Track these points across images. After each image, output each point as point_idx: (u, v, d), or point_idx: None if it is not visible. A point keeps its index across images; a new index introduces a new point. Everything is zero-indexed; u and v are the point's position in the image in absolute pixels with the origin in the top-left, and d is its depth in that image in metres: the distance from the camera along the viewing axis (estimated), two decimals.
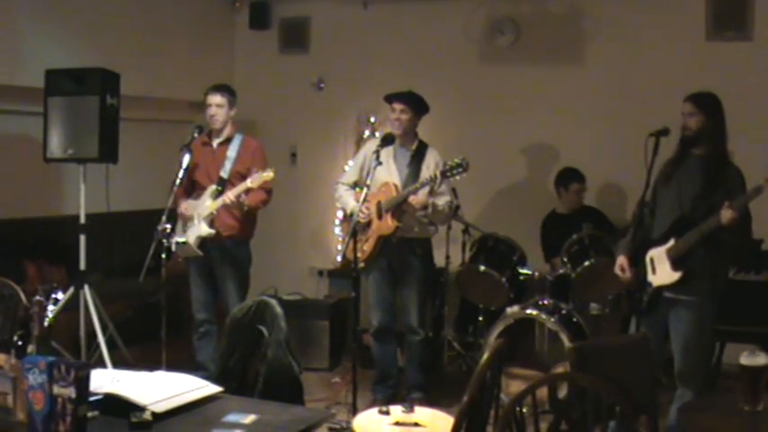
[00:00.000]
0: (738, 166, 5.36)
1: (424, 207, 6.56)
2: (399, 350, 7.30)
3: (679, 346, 5.40)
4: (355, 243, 6.22)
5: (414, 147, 6.84)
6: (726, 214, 4.98)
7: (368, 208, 6.66)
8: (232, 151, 6.89)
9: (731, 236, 5.13)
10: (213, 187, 6.79)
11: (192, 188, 6.96)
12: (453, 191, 6.88)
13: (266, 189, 6.76)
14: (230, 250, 6.91)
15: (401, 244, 6.74)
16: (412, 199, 6.51)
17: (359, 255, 6.56)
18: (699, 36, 8.03)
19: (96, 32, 8.03)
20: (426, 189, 6.52)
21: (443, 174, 6.36)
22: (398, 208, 6.61)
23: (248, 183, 6.56)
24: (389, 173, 6.75)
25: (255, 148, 6.98)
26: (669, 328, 5.45)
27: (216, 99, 6.87)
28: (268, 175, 6.53)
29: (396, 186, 6.66)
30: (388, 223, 6.63)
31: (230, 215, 6.81)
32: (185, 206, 6.87)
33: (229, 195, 6.59)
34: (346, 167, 8.21)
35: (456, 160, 6.34)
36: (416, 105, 6.83)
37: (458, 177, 6.42)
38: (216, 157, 6.91)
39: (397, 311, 7.04)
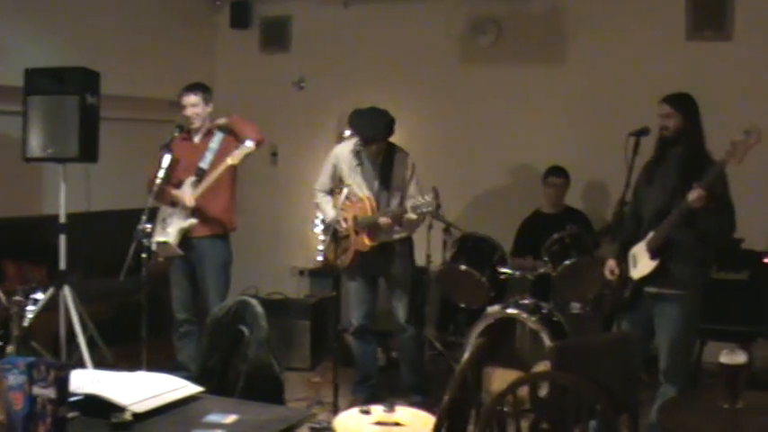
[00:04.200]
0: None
1: (397, 224, 6.66)
2: (380, 349, 7.32)
3: (665, 342, 5.43)
4: (336, 245, 6.24)
5: (380, 159, 6.82)
6: (692, 194, 5.03)
7: (346, 220, 6.71)
8: (214, 143, 6.88)
9: (703, 219, 5.16)
10: (192, 178, 6.79)
11: (171, 185, 6.92)
12: (434, 190, 6.88)
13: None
14: (211, 248, 6.89)
15: (379, 248, 6.77)
16: (382, 221, 6.57)
17: (338, 262, 6.63)
18: (679, 35, 8.07)
19: (76, 31, 8.01)
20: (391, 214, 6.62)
21: (414, 210, 6.39)
22: (373, 227, 6.67)
23: (228, 161, 6.58)
24: (358, 185, 6.77)
25: (240, 121, 6.97)
26: (654, 325, 5.48)
27: (190, 99, 6.88)
28: (248, 147, 6.55)
29: (370, 201, 6.71)
30: (365, 242, 6.69)
31: (207, 208, 6.80)
32: (177, 193, 6.83)
33: (208, 180, 6.65)
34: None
35: (428, 198, 6.37)
36: (389, 135, 6.77)
37: (426, 212, 6.47)
38: (197, 150, 6.90)
39: (383, 311, 7.06)
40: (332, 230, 6.48)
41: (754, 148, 4.91)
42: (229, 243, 7.05)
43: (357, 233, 6.72)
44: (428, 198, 6.32)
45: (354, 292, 7.01)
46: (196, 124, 6.91)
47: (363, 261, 6.82)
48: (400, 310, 6.93)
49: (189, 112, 6.88)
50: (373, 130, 6.64)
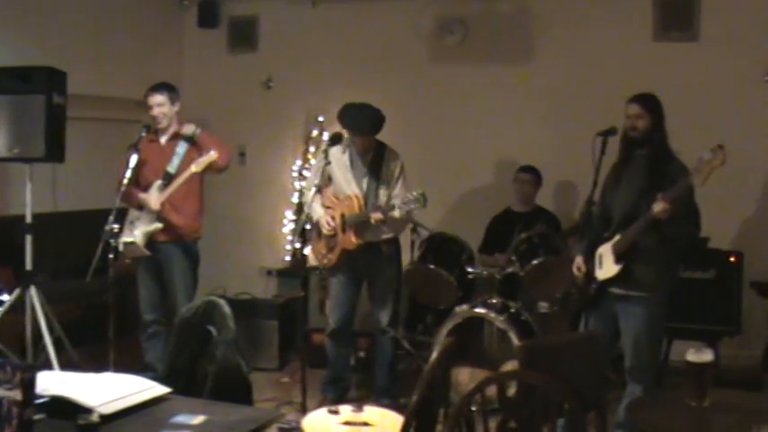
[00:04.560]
0: (683, 162, 5.43)
1: (384, 222, 6.58)
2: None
3: (630, 342, 5.46)
4: (303, 242, 6.22)
5: (370, 157, 6.81)
6: (657, 206, 5.06)
7: (333, 218, 6.70)
8: (181, 148, 6.87)
9: (670, 228, 5.19)
10: (159, 182, 6.78)
11: (138, 186, 6.93)
12: (423, 195, 6.92)
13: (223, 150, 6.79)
14: (178, 250, 6.89)
15: (365, 248, 6.76)
16: (374, 217, 6.53)
17: (325, 261, 6.63)
18: (646, 36, 8.13)
19: (43, 30, 7.94)
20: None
21: (401, 207, 6.40)
22: (361, 225, 6.64)
23: (193, 168, 6.60)
24: (348, 183, 6.75)
25: (208, 139, 6.95)
26: (619, 325, 5.51)
27: (156, 99, 6.87)
28: (211, 156, 6.55)
29: (358, 199, 6.68)
30: (352, 240, 6.67)
31: (176, 214, 6.78)
32: (143, 197, 6.82)
33: (173, 186, 6.62)
34: (294, 166, 8.26)
35: (415, 194, 6.36)
36: (377, 131, 6.77)
37: (413, 208, 6.46)
38: (164, 153, 6.90)
39: (361, 312, 7.07)
40: (300, 229, 6.44)
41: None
42: (196, 245, 7.04)
43: (344, 231, 6.70)
44: (416, 194, 6.33)
45: (335, 293, 6.98)
46: (163, 124, 6.90)
47: (349, 261, 6.81)
48: (383, 314, 6.92)
49: (155, 111, 6.87)
50: (357, 123, 6.67)
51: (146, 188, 6.82)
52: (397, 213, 6.47)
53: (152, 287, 6.99)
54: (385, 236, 6.80)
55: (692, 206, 5.30)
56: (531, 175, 7.81)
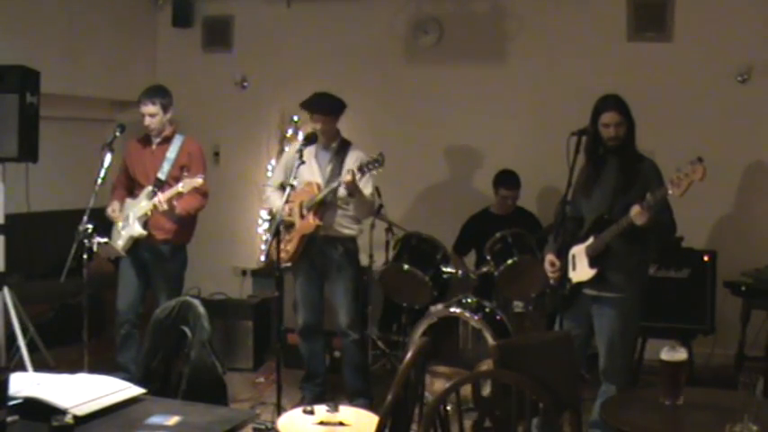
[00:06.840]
0: (653, 160, 5.46)
1: (354, 190, 6.49)
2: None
3: (603, 342, 5.48)
4: (278, 242, 6.19)
5: (335, 145, 6.82)
6: (633, 210, 5.07)
7: (291, 209, 6.66)
8: (171, 153, 6.85)
9: (651, 233, 5.22)
10: (149, 188, 6.75)
11: (133, 187, 6.96)
12: (377, 190, 6.91)
13: (201, 193, 6.73)
14: (165, 254, 6.86)
15: (324, 242, 6.74)
16: (345, 180, 6.42)
17: (283, 255, 6.59)
18: (620, 36, 8.17)
19: (16, 29, 7.89)
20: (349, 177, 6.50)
21: (360, 169, 6.37)
22: (320, 206, 6.63)
23: (179, 187, 6.52)
24: (312, 172, 6.74)
25: (193, 150, 6.94)
26: (594, 325, 5.53)
27: (149, 109, 6.81)
28: (197, 181, 6.50)
29: (318, 186, 6.65)
30: (310, 222, 6.62)
31: (166, 218, 6.75)
32: (113, 208, 6.82)
33: (161, 200, 6.56)
34: (268, 166, 8.24)
35: (373, 155, 6.36)
36: (334, 112, 6.80)
37: (374, 173, 6.44)
38: (155, 157, 6.88)
39: (327, 311, 7.05)
40: (276, 224, 6.39)
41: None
42: (185, 248, 7.03)
43: (302, 217, 6.68)
44: (374, 155, 6.33)
45: (299, 289, 6.96)
46: (154, 133, 6.87)
47: (307, 261, 6.80)
48: (342, 316, 6.87)
49: (147, 121, 6.82)
50: (314, 103, 6.80)
51: (138, 189, 6.85)
52: (362, 184, 6.47)
53: (134, 285, 6.93)
54: (346, 230, 6.80)
55: (667, 216, 5.31)
56: (514, 190, 7.74)
